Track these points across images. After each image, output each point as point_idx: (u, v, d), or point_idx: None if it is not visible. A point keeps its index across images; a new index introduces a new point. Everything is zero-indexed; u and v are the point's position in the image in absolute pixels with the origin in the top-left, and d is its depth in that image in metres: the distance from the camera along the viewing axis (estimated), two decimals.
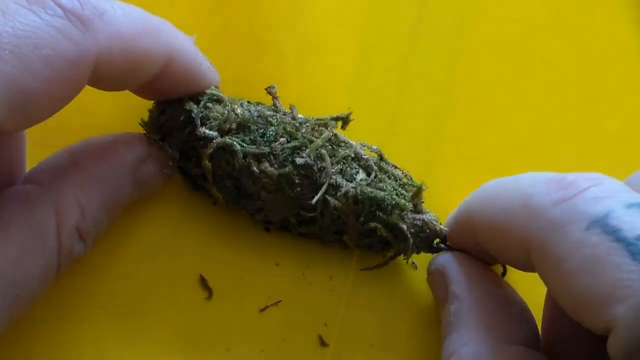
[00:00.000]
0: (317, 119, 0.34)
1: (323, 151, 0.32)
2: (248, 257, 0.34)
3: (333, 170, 0.32)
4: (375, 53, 0.38)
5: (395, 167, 0.34)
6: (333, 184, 0.32)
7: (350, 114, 0.34)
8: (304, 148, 0.32)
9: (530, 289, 0.35)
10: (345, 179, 0.32)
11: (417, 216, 0.32)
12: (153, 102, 0.33)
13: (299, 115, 0.34)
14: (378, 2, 0.39)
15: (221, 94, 0.33)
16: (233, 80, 0.36)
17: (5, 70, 0.23)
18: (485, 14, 0.39)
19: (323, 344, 0.34)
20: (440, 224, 0.33)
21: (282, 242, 0.35)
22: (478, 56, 0.38)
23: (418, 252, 0.33)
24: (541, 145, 0.37)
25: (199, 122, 0.32)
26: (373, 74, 0.38)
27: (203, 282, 0.34)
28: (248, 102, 0.33)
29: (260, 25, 0.38)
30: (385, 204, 0.32)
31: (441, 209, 0.34)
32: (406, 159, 0.36)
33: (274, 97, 0.33)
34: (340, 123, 0.34)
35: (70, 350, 0.33)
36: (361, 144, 0.33)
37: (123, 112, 0.36)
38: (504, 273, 0.34)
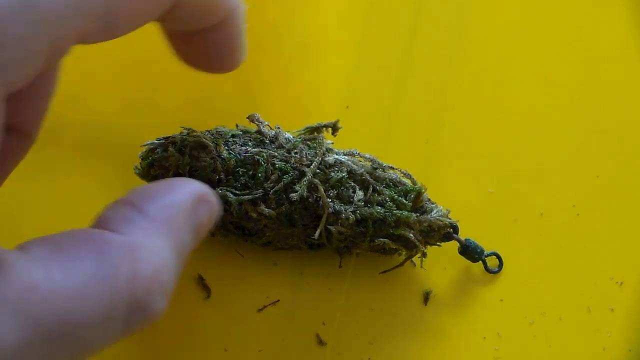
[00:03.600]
0: (307, 129, 0.33)
1: (316, 181, 0.31)
2: (246, 257, 0.34)
3: (329, 199, 0.31)
4: (373, 52, 0.38)
5: (392, 168, 0.33)
6: (332, 212, 0.31)
7: (337, 121, 0.33)
8: (297, 181, 0.31)
9: (531, 288, 0.35)
10: (343, 203, 0.32)
11: (423, 218, 0.32)
12: (143, 146, 0.33)
13: (286, 135, 0.33)
14: (376, 2, 0.38)
15: (204, 140, 0.32)
16: (232, 79, 0.36)
17: None
18: (484, 13, 0.39)
19: (321, 342, 0.34)
20: (449, 216, 0.33)
21: None
22: (477, 55, 0.38)
23: (431, 245, 0.34)
24: (540, 144, 0.37)
25: (187, 177, 0.31)
26: (371, 73, 0.38)
27: (201, 281, 0.34)
28: (233, 135, 0.33)
29: (258, 25, 0.38)
30: (388, 220, 0.32)
31: (441, 204, 0.34)
32: (404, 157, 0.36)
33: (258, 123, 0.33)
34: (330, 130, 0.34)
35: None
36: (352, 152, 0.33)
37: (122, 107, 0.36)
38: (500, 266, 0.35)
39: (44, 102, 0.30)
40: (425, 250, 0.33)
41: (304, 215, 0.32)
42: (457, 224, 0.34)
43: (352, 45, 0.38)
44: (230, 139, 0.32)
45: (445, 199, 0.36)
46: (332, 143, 0.34)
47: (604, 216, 0.36)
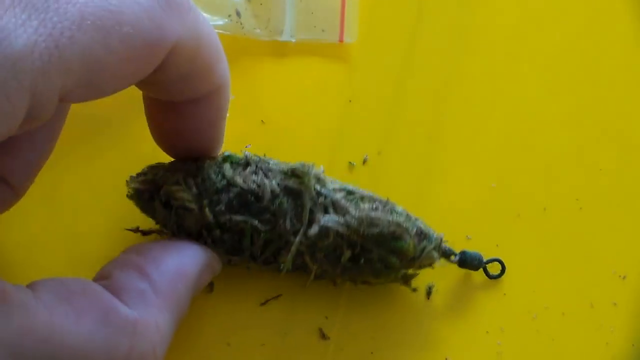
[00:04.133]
0: (293, 171, 0.32)
1: (302, 250, 0.31)
2: None
3: (316, 262, 0.32)
4: (376, 46, 0.38)
5: (387, 211, 0.32)
6: (320, 271, 0.32)
7: (322, 169, 0.32)
8: (283, 248, 0.31)
9: (534, 283, 0.35)
10: (331, 264, 0.32)
11: (413, 263, 0.32)
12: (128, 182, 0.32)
13: (273, 185, 0.31)
14: (377, 6, 0.38)
15: (188, 204, 0.31)
16: (234, 76, 0.36)
17: (84, 41, 0.23)
18: (486, 10, 0.38)
19: (324, 337, 0.34)
20: (444, 241, 0.33)
21: None
22: (480, 49, 0.38)
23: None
24: (543, 138, 0.37)
25: (176, 232, 0.32)
26: (374, 66, 0.37)
27: None
28: (217, 191, 0.31)
29: None
30: (376, 281, 0.33)
31: (441, 213, 0.35)
32: (407, 151, 0.36)
33: (242, 184, 0.31)
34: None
35: None
36: (345, 196, 0.32)
37: (122, 103, 0.36)
38: (502, 270, 0.35)
39: (33, 160, 0.30)
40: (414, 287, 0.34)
41: (293, 270, 0.32)
42: (450, 247, 0.33)
43: (353, 47, 0.38)
44: (215, 197, 0.31)
45: (448, 194, 0.36)
46: (323, 171, 0.33)
47: (607, 210, 0.36)
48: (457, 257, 0.34)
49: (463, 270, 0.34)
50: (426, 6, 0.38)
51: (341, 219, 0.31)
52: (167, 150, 0.33)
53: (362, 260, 0.32)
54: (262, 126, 0.36)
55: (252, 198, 0.31)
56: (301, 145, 0.36)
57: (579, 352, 0.35)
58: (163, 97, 0.30)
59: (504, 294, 0.35)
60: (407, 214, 0.32)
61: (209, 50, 0.28)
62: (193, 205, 0.31)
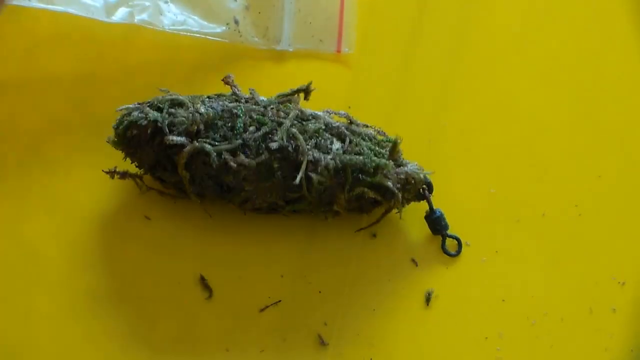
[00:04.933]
0: (279, 95, 0.33)
1: (294, 130, 0.32)
2: (247, 256, 0.34)
3: (308, 146, 0.32)
4: (376, 51, 0.38)
5: (367, 126, 0.34)
6: (311, 160, 0.32)
7: (310, 84, 0.33)
8: (275, 131, 0.32)
9: (533, 289, 0.35)
10: (322, 152, 0.32)
11: (400, 170, 0.33)
12: (119, 110, 0.32)
13: (261, 98, 0.33)
14: (379, 1, 0.38)
15: (181, 97, 0.32)
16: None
17: None
18: (486, 15, 0.38)
19: (323, 343, 0.34)
20: (424, 171, 0.33)
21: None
22: (480, 55, 0.38)
23: (408, 203, 0.34)
24: (542, 145, 0.37)
25: (167, 131, 0.31)
26: (373, 72, 0.37)
27: (203, 282, 0.34)
28: (208, 97, 0.33)
29: None
30: (367, 167, 0.32)
31: (444, 203, 0.35)
32: (407, 157, 0.36)
33: (232, 86, 0.33)
34: (302, 95, 0.33)
35: (70, 349, 0.33)
36: (328, 112, 0.33)
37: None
38: (458, 250, 0.35)
39: None
40: (402, 204, 0.33)
41: (283, 165, 0.32)
42: (432, 182, 0.34)
43: (354, 45, 0.38)
44: (206, 100, 0.32)
45: (448, 199, 0.36)
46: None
47: (606, 216, 0.36)
48: (432, 203, 0.34)
49: (462, 277, 0.35)
50: (424, 15, 0.38)
51: (330, 119, 0.33)
52: None
53: (352, 147, 0.32)
54: None
55: (243, 100, 0.33)
56: None
57: (578, 357, 0.35)
58: None
59: (503, 300, 0.35)
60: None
61: None
62: (185, 99, 0.32)
